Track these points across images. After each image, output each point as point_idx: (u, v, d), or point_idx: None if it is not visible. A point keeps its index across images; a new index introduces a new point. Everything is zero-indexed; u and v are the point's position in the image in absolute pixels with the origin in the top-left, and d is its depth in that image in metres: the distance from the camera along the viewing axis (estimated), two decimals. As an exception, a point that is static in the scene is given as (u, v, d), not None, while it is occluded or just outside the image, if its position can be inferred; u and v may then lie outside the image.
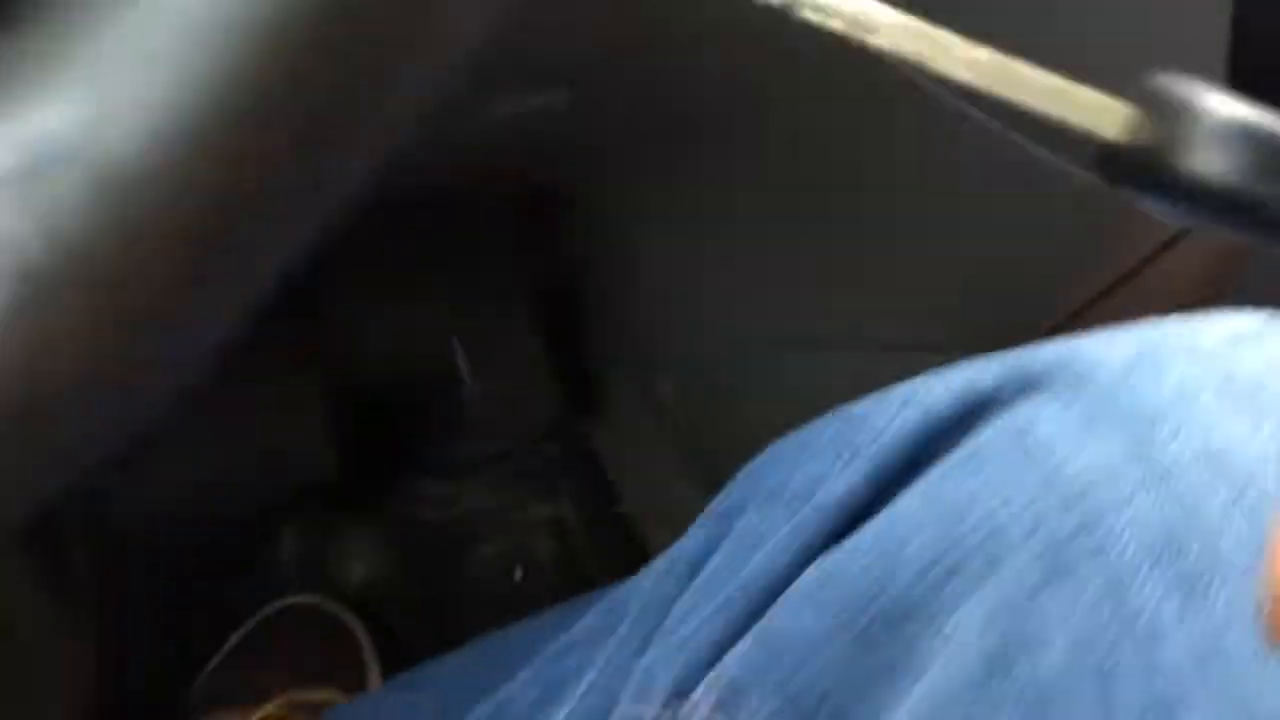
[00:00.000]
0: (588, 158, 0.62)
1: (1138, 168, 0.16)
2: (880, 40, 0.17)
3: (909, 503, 0.28)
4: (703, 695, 0.27)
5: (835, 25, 0.17)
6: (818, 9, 0.17)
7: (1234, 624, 0.21)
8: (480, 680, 0.42)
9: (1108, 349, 0.28)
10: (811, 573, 0.28)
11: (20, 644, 0.69)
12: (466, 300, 0.85)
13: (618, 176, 0.64)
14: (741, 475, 0.33)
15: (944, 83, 0.17)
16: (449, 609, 0.84)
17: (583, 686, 0.32)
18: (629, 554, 0.80)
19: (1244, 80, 0.37)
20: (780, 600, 0.28)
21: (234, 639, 0.77)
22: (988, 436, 0.27)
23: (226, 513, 0.80)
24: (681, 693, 0.28)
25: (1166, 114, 0.16)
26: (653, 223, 0.67)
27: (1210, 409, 0.25)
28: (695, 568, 0.31)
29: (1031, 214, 0.46)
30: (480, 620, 0.58)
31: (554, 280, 0.82)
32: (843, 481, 0.29)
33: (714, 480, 0.37)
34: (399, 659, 0.74)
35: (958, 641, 0.25)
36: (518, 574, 0.85)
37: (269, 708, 0.70)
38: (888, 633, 0.26)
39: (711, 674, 0.28)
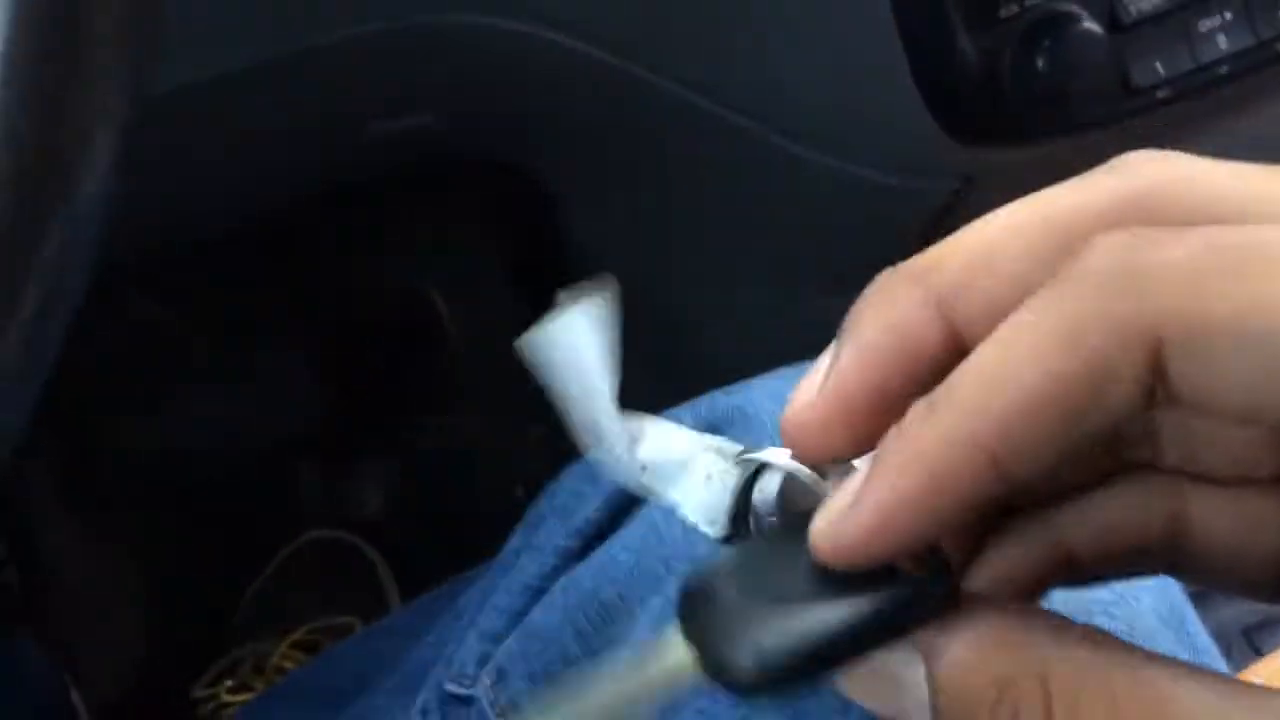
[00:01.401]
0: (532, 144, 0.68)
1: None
2: None
3: (630, 526, 0.34)
4: (484, 678, 0.36)
5: None
6: None
7: None
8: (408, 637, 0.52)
9: (772, 394, 0.34)
10: (560, 581, 0.36)
11: (68, 587, 0.79)
12: (443, 246, 0.90)
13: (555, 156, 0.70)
14: (550, 488, 0.41)
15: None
16: (457, 530, 0.91)
17: (438, 666, 0.41)
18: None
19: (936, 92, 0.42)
20: (539, 602, 0.36)
21: (262, 574, 0.86)
22: None
23: (239, 455, 0.87)
24: (474, 675, 0.37)
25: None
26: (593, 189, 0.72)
27: None
28: (506, 570, 0.39)
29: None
30: (487, 538, 0.66)
31: (523, 222, 0.87)
32: (588, 509, 0.36)
33: (681, 394, 0.43)
34: (414, 580, 0.82)
35: (636, 634, 0.31)
36: (519, 491, 0.92)
37: (296, 634, 0.80)
38: (600, 628, 0.32)
39: (490, 662, 0.36)
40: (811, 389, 0.18)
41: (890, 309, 0.17)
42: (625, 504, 0.36)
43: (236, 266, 0.84)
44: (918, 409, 0.16)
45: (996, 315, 0.16)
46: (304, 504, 0.92)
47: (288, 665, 0.77)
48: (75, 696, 0.77)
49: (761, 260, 0.67)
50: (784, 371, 0.36)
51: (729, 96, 0.50)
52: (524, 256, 0.90)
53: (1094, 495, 0.19)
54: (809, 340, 0.37)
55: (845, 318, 0.18)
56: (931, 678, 0.17)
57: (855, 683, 0.18)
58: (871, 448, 0.17)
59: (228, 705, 0.75)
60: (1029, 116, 0.43)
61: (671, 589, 0.31)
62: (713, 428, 0.35)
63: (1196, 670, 0.15)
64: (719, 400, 0.35)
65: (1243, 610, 0.65)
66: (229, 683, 0.75)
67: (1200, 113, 0.45)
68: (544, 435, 0.94)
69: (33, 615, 0.78)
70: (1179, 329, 0.14)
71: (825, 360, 0.18)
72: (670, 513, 0.34)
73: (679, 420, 0.36)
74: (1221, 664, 0.34)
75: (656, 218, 0.70)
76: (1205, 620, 0.65)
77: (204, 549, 0.85)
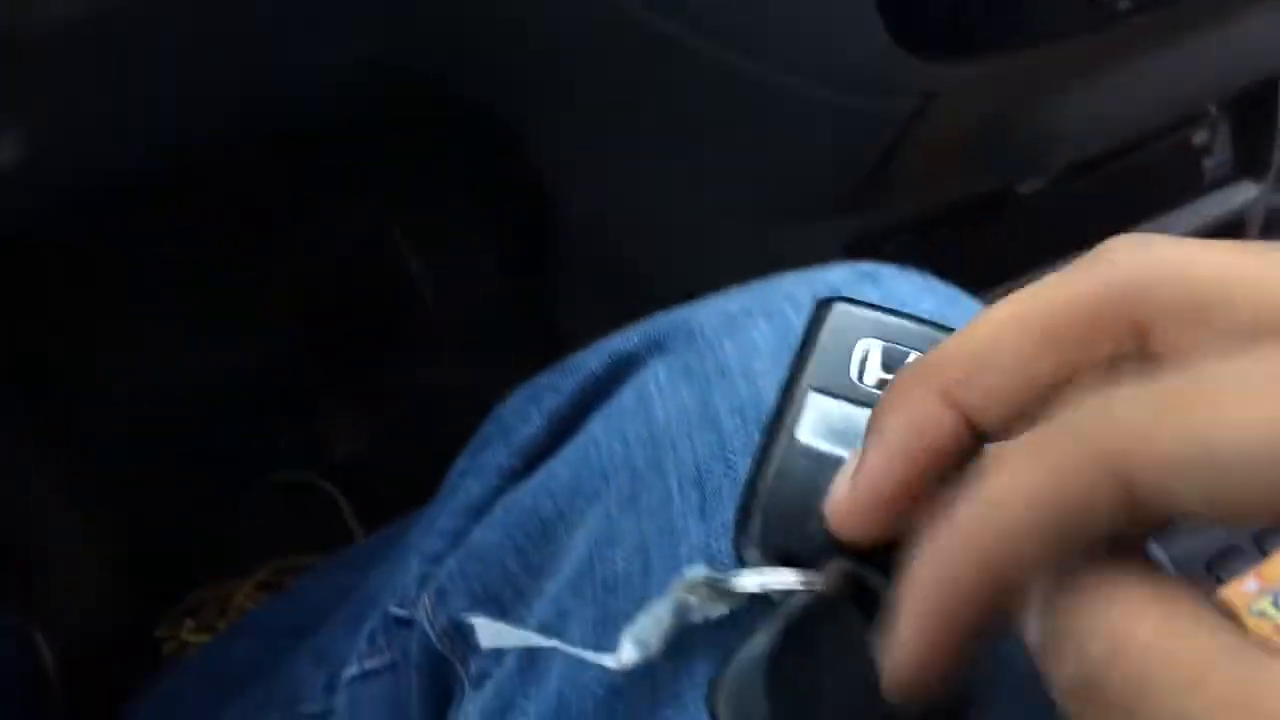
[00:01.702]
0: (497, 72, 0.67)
1: None
2: None
3: (569, 445, 0.33)
4: (425, 599, 0.35)
5: None
6: None
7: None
8: (368, 566, 0.51)
9: (719, 311, 0.33)
10: (502, 500, 0.35)
11: (32, 530, 0.78)
12: (409, 191, 0.89)
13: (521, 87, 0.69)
14: (493, 415, 0.40)
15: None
16: (424, 473, 0.91)
17: (385, 592, 0.40)
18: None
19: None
20: (480, 522, 0.35)
21: (231, 513, 0.85)
22: (625, 389, 0.33)
23: (205, 399, 0.87)
24: (415, 597, 0.36)
25: None
26: (551, 120, 0.71)
27: (760, 370, 0.30)
28: (451, 493, 0.38)
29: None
30: None
31: (491, 165, 0.86)
32: (531, 428, 0.35)
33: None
34: (381, 523, 0.84)
35: (574, 549, 0.31)
36: None
37: (261, 574, 0.79)
38: (539, 544, 0.32)
39: (431, 583, 0.36)
40: (844, 483, 0.21)
41: (907, 408, 0.20)
42: (567, 422, 0.35)
43: (203, 210, 0.83)
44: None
45: (1000, 403, 0.19)
46: (271, 447, 0.91)
47: (251, 606, 0.77)
48: (39, 638, 0.77)
49: (727, 191, 0.66)
50: (732, 291, 0.35)
51: (690, 18, 0.49)
52: (492, 200, 0.89)
53: None
54: (777, 270, 0.37)
55: (870, 418, 0.20)
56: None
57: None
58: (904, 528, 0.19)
59: (189, 645, 0.74)
60: (988, 30, 0.42)
61: (610, 503, 0.30)
62: (656, 344, 0.34)
63: None
64: (663, 318, 0.34)
65: (1204, 541, 0.65)
66: (191, 623, 0.75)
67: (1164, 25, 0.44)
68: (511, 377, 0.94)
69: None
70: (1142, 466, 0.16)
71: (854, 459, 0.20)
72: (609, 427, 0.33)
73: (626, 341, 0.35)
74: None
75: (622, 153, 0.70)
76: (1167, 551, 0.65)
77: (170, 491, 0.85)
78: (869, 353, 0.24)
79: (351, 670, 0.41)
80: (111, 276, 0.84)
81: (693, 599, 0.24)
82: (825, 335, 0.24)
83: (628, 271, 0.79)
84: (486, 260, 0.94)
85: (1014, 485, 0.17)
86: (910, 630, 0.18)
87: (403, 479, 0.92)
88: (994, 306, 0.20)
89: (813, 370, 0.24)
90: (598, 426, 0.33)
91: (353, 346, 0.94)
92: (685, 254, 0.73)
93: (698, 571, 0.24)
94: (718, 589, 0.23)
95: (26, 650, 0.76)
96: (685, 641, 0.26)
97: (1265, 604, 0.65)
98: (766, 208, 0.64)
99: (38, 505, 0.83)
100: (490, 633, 0.27)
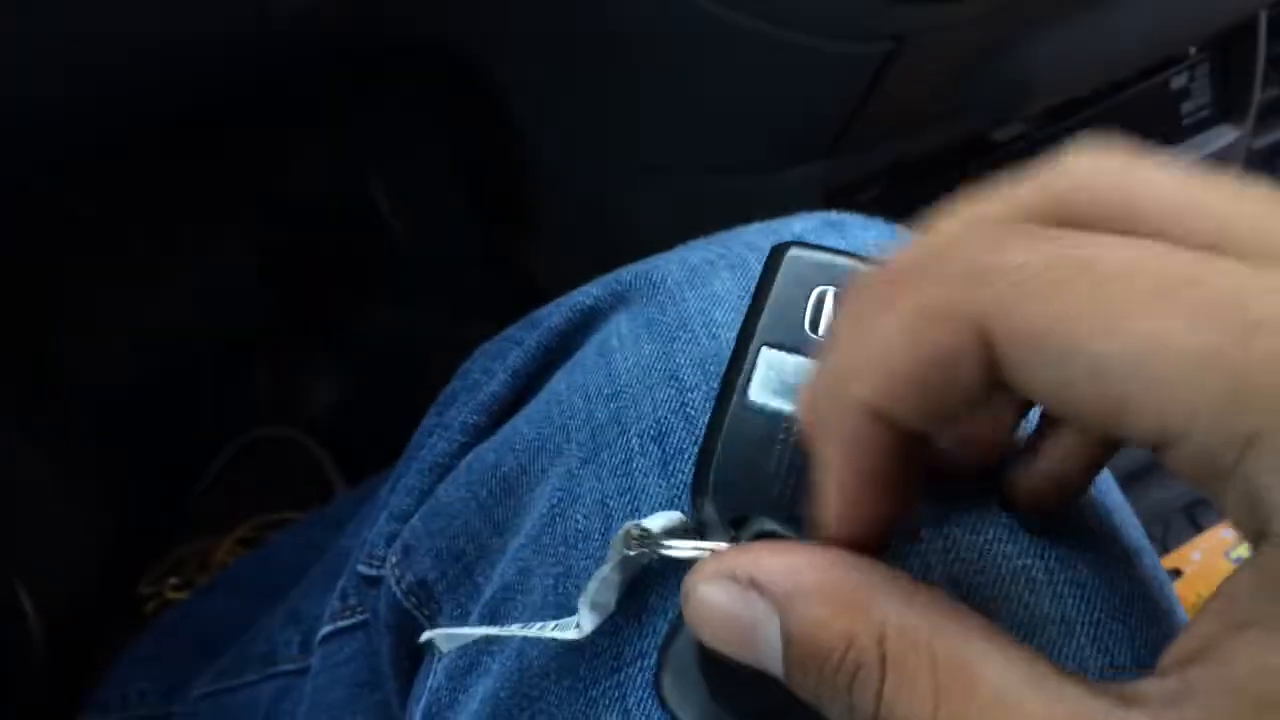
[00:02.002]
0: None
1: None
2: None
3: (533, 402, 0.33)
4: (391, 556, 0.35)
5: None
6: None
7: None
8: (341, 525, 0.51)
9: (681, 262, 0.33)
10: (466, 458, 0.35)
11: (14, 488, 0.78)
12: (383, 139, 0.88)
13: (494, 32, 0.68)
14: (459, 372, 0.39)
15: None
16: (404, 427, 0.91)
17: (355, 551, 0.40)
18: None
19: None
20: (445, 480, 0.35)
21: (211, 469, 0.85)
22: (587, 343, 0.33)
23: (183, 354, 0.86)
24: (383, 555, 0.36)
25: None
26: (525, 67, 0.70)
27: (722, 322, 0.30)
28: (416, 450, 0.38)
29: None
30: None
31: (464, 111, 0.85)
32: (495, 384, 0.35)
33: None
34: (361, 478, 0.83)
35: (537, 505, 0.30)
36: None
37: (241, 530, 0.79)
38: (502, 501, 0.31)
39: (397, 540, 0.36)
40: (827, 528, 0.20)
41: (837, 434, 0.19)
42: (530, 378, 0.35)
43: (174, 162, 0.82)
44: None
45: (929, 407, 0.18)
46: (250, 402, 0.91)
47: (231, 562, 0.77)
48: (23, 595, 0.77)
49: (698, 143, 0.65)
50: (696, 242, 0.35)
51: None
52: (469, 148, 0.88)
53: None
54: (751, 222, 0.36)
55: (812, 450, 0.20)
56: (786, 631, 0.19)
57: (717, 631, 0.20)
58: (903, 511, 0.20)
59: (171, 602, 0.74)
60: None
61: (572, 460, 0.30)
62: (619, 296, 0.33)
63: (1017, 649, 0.17)
64: (625, 271, 0.34)
65: (1184, 488, 0.65)
66: (173, 580, 0.75)
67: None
68: (489, 330, 0.94)
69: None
70: (1003, 331, 0.17)
71: (817, 502, 0.20)
72: (572, 383, 0.33)
73: (588, 295, 0.34)
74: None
75: (593, 101, 0.69)
76: (1147, 496, 0.65)
77: (149, 449, 0.85)
78: (825, 299, 0.23)
79: (326, 628, 0.41)
80: (83, 231, 0.83)
81: (632, 552, 0.24)
82: (779, 284, 0.23)
83: (601, 222, 0.79)
84: (462, 209, 0.93)
85: (888, 326, 0.18)
86: (824, 480, 0.19)
87: (382, 433, 0.92)
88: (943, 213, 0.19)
89: (766, 323, 0.23)
90: (561, 382, 0.33)
91: (330, 299, 0.93)
92: (658, 205, 0.72)
93: (632, 526, 0.23)
94: (653, 547, 0.23)
95: (10, 610, 0.76)
96: (646, 598, 0.26)
97: (1242, 550, 0.65)
98: (738, 157, 0.64)
99: (18, 466, 0.83)
100: (445, 639, 0.27)
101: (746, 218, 0.37)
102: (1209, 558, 0.62)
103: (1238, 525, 0.16)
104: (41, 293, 0.83)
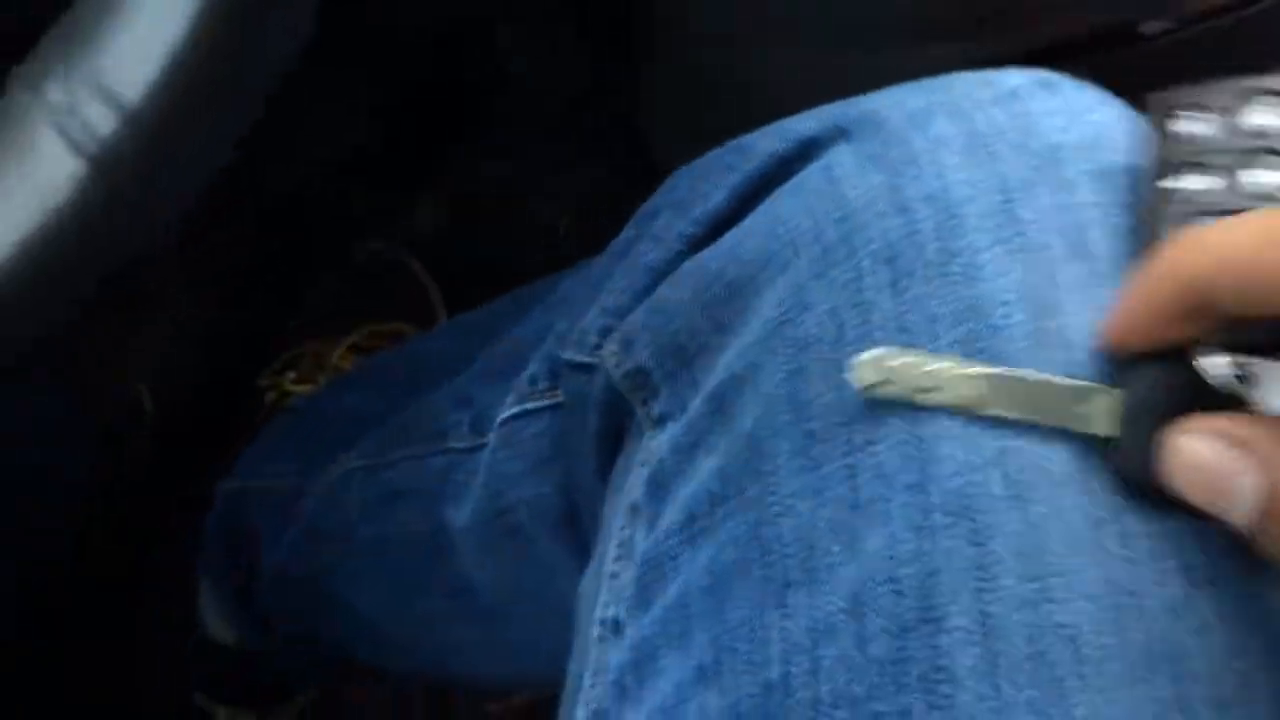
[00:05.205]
0: None
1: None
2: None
3: (754, 216, 0.36)
4: (609, 345, 0.39)
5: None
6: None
7: (920, 305, 0.31)
8: (497, 327, 0.55)
9: (903, 103, 0.36)
10: (686, 264, 0.37)
11: (151, 306, 0.82)
12: None
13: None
14: (663, 186, 0.42)
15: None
16: (504, 258, 0.92)
17: (549, 337, 0.44)
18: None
19: None
20: (664, 281, 0.38)
21: (319, 284, 0.89)
22: (810, 169, 0.35)
23: (298, 173, 0.89)
24: (599, 345, 0.38)
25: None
26: None
27: (947, 161, 0.32)
28: (622, 256, 0.41)
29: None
30: (530, 268, 0.65)
31: None
32: (719, 195, 0.37)
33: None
34: (462, 305, 0.88)
35: (764, 311, 0.33)
36: (562, 227, 0.94)
37: (353, 337, 0.83)
38: (724, 304, 0.34)
39: (616, 332, 0.38)
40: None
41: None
42: (749, 199, 0.37)
43: None
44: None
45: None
46: (353, 216, 0.93)
47: (345, 366, 0.81)
48: (146, 397, 0.81)
49: (826, 12, 0.66)
50: (904, 87, 0.37)
51: None
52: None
53: None
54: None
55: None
56: (1267, 484, 0.24)
57: (1192, 478, 0.25)
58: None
59: (289, 394, 0.79)
60: None
61: (800, 273, 0.33)
62: (840, 130, 0.36)
63: None
64: (843, 106, 0.36)
65: None
66: (292, 374, 0.79)
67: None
68: (590, 175, 0.96)
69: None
70: (1196, 274, 0.25)
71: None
72: (796, 204, 0.36)
73: (806, 126, 0.37)
74: None
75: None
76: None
77: (265, 258, 0.87)
78: None
79: (511, 410, 0.45)
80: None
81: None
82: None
83: (710, 80, 0.79)
84: (577, 52, 0.94)
85: (1170, 255, 0.26)
86: (1126, 299, 0.28)
87: (480, 262, 0.95)
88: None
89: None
90: (784, 202, 0.36)
91: (443, 133, 0.95)
92: (780, 73, 0.73)
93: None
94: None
95: (126, 398, 0.80)
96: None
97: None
98: (878, 26, 0.65)
99: (142, 275, 0.86)
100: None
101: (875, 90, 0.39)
102: None
103: None
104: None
